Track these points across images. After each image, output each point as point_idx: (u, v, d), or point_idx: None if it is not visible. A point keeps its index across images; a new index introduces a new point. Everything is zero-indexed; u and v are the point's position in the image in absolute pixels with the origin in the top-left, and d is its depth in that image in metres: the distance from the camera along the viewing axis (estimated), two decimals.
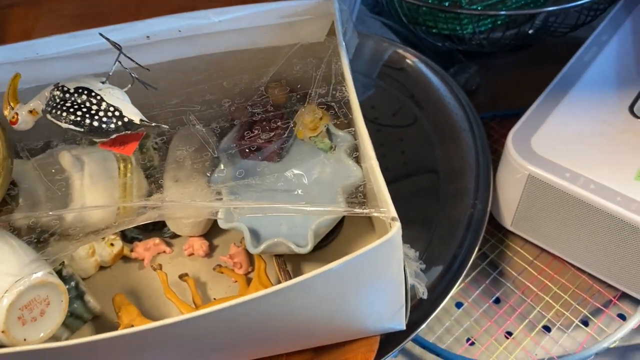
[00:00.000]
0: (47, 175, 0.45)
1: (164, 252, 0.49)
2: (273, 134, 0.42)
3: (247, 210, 0.37)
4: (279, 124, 0.42)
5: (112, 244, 0.48)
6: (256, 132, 0.42)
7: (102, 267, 0.49)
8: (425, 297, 0.39)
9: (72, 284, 0.44)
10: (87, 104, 0.38)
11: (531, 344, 0.48)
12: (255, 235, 0.43)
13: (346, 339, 0.41)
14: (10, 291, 0.36)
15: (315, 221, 0.42)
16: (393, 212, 0.33)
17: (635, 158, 0.45)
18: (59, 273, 0.43)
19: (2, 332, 0.36)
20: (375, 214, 0.35)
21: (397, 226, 0.32)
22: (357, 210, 0.37)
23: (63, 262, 0.45)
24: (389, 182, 0.33)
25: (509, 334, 0.49)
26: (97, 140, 0.39)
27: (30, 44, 0.45)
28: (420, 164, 0.55)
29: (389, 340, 0.42)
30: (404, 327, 0.40)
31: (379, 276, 0.35)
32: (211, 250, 0.50)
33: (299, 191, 0.40)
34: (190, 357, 0.38)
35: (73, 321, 0.44)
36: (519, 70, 0.67)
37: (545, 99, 0.49)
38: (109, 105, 0.38)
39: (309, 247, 0.42)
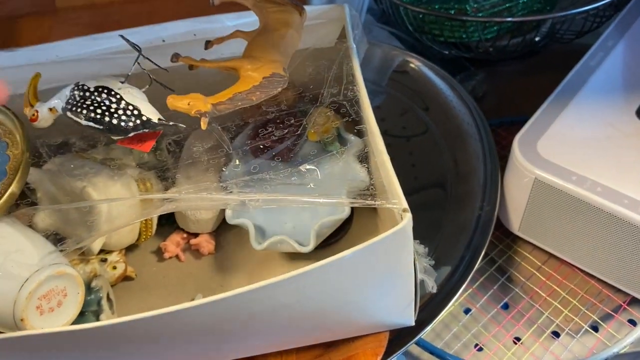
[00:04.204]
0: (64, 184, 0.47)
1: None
2: (287, 130, 0.45)
3: (261, 202, 0.40)
4: (292, 121, 0.46)
5: (114, 267, 0.49)
6: (270, 129, 0.45)
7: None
8: (434, 291, 0.41)
9: (94, 296, 0.45)
10: (107, 102, 0.41)
11: (540, 349, 0.49)
12: (260, 232, 0.47)
13: (356, 333, 0.43)
14: (30, 280, 0.39)
15: (318, 221, 0.44)
16: (404, 204, 0.35)
17: None
18: (87, 283, 0.45)
19: (22, 320, 0.38)
20: (387, 206, 0.37)
21: (408, 217, 0.34)
22: (369, 201, 0.39)
23: (95, 273, 0.47)
24: None
25: (517, 339, 0.50)
26: (115, 137, 0.42)
27: (50, 46, 0.49)
28: (429, 170, 0.58)
29: (395, 341, 0.44)
30: (413, 323, 0.42)
31: (390, 267, 0.37)
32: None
33: (312, 184, 0.42)
34: (200, 349, 0.40)
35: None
36: (525, 77, 0.70)
37: (551, 104, 0.51)
38: (128, 103, 0.41)
39: (310, 247, 0.45)
